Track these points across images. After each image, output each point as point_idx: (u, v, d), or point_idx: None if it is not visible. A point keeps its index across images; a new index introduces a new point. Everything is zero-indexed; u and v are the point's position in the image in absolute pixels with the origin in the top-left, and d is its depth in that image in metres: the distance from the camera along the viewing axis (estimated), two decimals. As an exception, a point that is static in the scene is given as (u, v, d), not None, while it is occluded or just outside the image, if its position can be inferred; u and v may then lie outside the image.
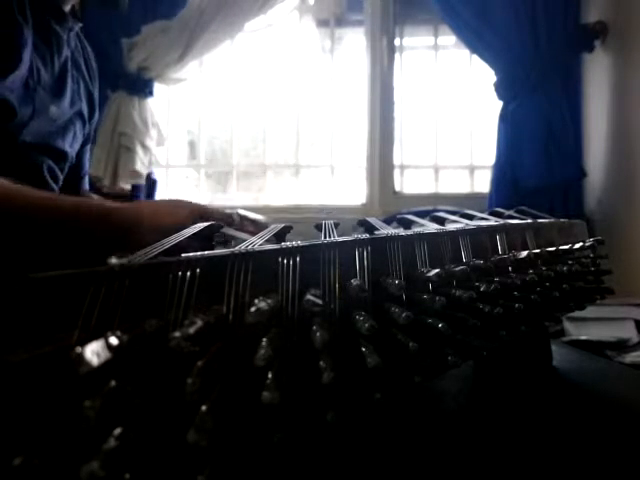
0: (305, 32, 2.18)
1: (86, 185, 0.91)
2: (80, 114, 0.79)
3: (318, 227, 0.37)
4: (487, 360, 0.43)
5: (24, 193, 0.51)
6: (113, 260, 0.22)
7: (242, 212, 0.61)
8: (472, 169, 2.12)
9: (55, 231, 0.50)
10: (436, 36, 2.16)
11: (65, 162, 0.76)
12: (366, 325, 0.21)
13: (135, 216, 0.53)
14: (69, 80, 0.76)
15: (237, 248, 0.25)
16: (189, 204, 0.56)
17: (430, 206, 1.57)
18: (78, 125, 0.79)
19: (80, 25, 0.79)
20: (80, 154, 0.86)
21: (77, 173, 0.86)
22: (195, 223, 0.46)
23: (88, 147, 0.91)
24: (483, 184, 1.99)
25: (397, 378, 0.24)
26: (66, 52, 0.76)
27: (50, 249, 0.48)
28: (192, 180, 2.28)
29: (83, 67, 0.82)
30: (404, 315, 0.23)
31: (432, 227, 0.41)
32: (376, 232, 0.34)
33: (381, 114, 2.08)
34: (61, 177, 0.76)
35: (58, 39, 0.73)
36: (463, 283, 0.29)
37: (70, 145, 0.77)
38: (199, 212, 0.54)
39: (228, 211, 0.61)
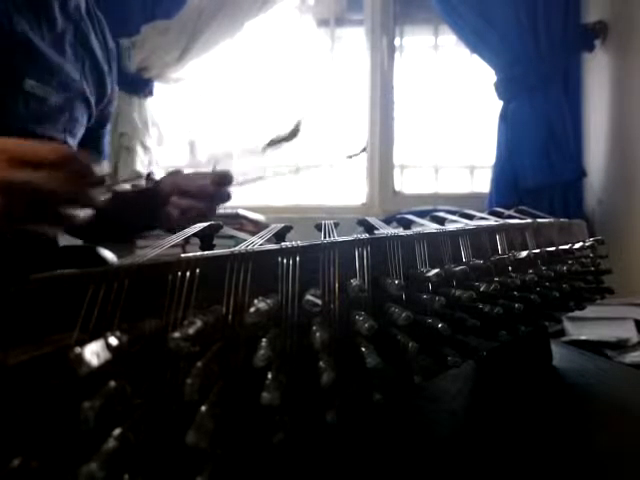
0: (305, 31, 2.18)
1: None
2: (82, 95, 0.71)
3: (318, 227, 0.37)
4: (487, 360, 0.42)
5: None
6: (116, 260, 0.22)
7: (242, 212, 0.58)
8: (472, 169, 2.12)
9: None
10: (436, 36, 2.16)
11: None
12: (366, 325, 0.21)
13: None
14: (67, 56, 0.68)
15: (237, 248, 0.25)
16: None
17: (430, 206, 1.57)
18: (80, 108, 0.71)
19: None
20: (96, 137, 0.78)
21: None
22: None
23: (106, 130, 0.82)
24: (483, 184, 1.99)
25: (397, 378, 0.24)
26: (62, 26, 0.67)
27: None
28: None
29: (95, 43, 0.74)
30: (404, 315, 0.23)
31: (432, 227, 0.41)
32: (376, 232, 0.34)
33: (381, 113, 2.08)
34: None
35: (47, 8, 0.65)
36: (463, 283, 0.29)
37: (68, 131, 0.68)
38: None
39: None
